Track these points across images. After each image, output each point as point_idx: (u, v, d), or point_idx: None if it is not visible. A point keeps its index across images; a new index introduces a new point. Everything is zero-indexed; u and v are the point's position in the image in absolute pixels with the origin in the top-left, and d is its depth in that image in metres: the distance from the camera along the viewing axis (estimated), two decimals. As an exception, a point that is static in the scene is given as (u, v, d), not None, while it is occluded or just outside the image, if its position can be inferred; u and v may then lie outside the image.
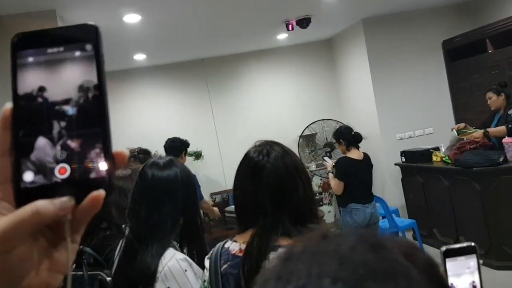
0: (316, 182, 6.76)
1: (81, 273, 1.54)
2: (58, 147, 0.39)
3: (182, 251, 1.54)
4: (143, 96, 6.71)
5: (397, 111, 6.23)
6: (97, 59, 0.41)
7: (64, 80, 0.40)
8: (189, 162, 6.64)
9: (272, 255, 1.17)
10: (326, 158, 4.64)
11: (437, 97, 6.36)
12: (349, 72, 6.81)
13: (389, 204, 5.48)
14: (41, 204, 0.37)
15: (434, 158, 5.36)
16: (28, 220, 0.37)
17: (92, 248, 1.61)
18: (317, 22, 5.50)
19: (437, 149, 5.44)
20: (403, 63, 6.28)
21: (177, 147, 4.60)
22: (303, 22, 5.25)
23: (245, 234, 1.27)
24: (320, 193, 4.99)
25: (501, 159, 4.36)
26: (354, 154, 4.16)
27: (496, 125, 4.67)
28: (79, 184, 0.39)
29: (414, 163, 5.50)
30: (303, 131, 6.67)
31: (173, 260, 1.44)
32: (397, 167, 5.92)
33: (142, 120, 6.69)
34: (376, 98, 6.22)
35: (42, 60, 0.40)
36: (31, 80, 0.40)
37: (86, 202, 0.39)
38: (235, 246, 1.28)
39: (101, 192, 0.39)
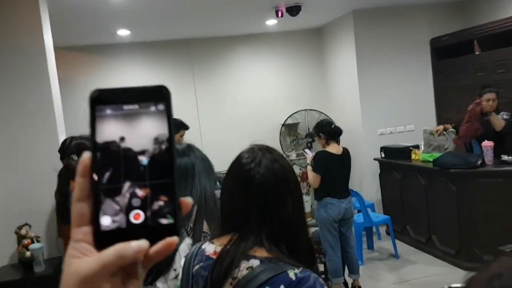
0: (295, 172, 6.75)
1: None
2: (133, 194, 0.43)
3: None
4: (124, 72, 6.56)
5: (380, 105, 6.23)
6: (168, 116, 0.44)
7: (140, 133, 0.44)
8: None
9: (244, 264, 1.14)
10: (306, 150, 4.62)
11: (421, 94, 6.37)
12: (336, 63, 6.76)
13: (365, 198, 5.50)
14: (122, 248, 0.41)
15: (413, 156, 5.37)
16: (113, 263, 0.41)
17: None
18: (307, 10, 5.41)
19: (416, 147, 5.45)
20: (390, 57, 6.25)
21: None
22: (293, 10, 5.17)
23: (223, 238, 1.23)
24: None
25: (479, 162, 4.39)
26: (333, 148, 4.14)
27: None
28: (152, 229, 0.43)
29: (393, 160, 5.51)
30: (286, 119, 6.63)
31: (183, 244, 1.48)
32: (376, 162, 5.94)
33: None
34: (361, 92, 6.19)
35: (120, 114, 0.44)
36: (109, 131, 0.43)
37: (160, 247, 0.43)
38: (210, 247, 1.25)
39: (174, 239, 0.43)
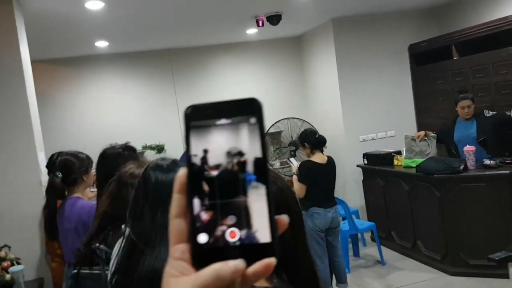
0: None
1: (97, 271, 1.47)
2: (229, 211, 0.42)
3: None
4: (104, 85, 6.46)
5: (361, 112, 6.25)
6: (261, 130, 0.43)
7: (234, 148, 0.43)
8: (151, 156, 6.47)
9: None
10: (291, 160, 4.59)
11: (401, 100, 6.42)
12: (317, 71, 6.77)
13: (349, 205, 5.50)
14: (220, 267, 0.40)
15: (395, 162, 5.40)
16: (210, 283, 0.40)
17: (107, 246, 1.59)
18: (287, 19, 5.41)
19: (399, 153, 5.49)
20: (370, 64, 6.29)
21: None
22: (274, 19, 5.16)
23: None
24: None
25: (461, 167, 4.43)
26: (318, 158, 4.12)
27: (477, 131, 4.65)
28: (248, 248, 0.41)
29: (376, 166, 5.53)
30: (269, 128, 6.60)
31: None
32: (359, 168, 5.95)
33: (101, 110, 6.44)
34: (342, 99, 6.21)
35: (213, 128, 0.43)
36: (203, 147, 0.43)
37: (258, 267, 0.41)
38: None
39: (272, 260, 0.41)
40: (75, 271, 1.60)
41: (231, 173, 0.43)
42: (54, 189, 2.73)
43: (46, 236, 3.14)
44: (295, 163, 4.39)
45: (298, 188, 4.09)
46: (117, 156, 2.26)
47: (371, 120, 6.31)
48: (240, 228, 0.42)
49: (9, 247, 3.24)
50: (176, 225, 0.43)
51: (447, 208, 4.52)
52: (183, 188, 0.43)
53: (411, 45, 6.33)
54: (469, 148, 4.51)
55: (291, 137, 6.54)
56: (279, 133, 6.71)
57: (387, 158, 5.46)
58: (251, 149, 0.43)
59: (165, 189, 1.45)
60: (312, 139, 4.13)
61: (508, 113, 4.65)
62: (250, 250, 0.41)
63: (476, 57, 5.30)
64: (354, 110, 6.23)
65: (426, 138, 5.14)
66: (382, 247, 5.21)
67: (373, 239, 5.60)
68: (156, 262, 1.38)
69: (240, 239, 0.41)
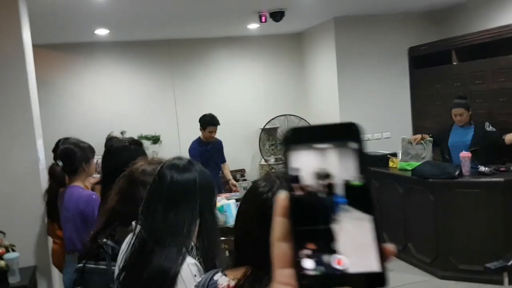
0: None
1: (103, 266, 1.49)
2: (334, 237, 0.41)
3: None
4: (102, 73, 6.42)
5: (358, 112, 6.28)
6: (362, 155, 0.43)
7: (335, 172, 0.42)
8: (146, 146, 6.43)
9: None
10: None
11: (398, 102, 6.45)
12: (316, 68, 6.78)
13: (343, 204, 5.52)
14: None
15: (390, 164, 5.43)
16: None
17: (115, 242, 1.60)
18: (290, 15, 5.40)
19: (394, 155, 5.51)
20: (369, 65, 6.31)
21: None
22: (277, 15, 5.15)
23: (237, 270, 1.17)
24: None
25: (456, 173, 4.46)
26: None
27: (473, 138, 4.69)
28: (356, 277, 0.40)
29: (371, 167, 5.55)
30: (266, 124, 6.61)
31: (184, 264, 1.40)
32: (354, 168, 5.97)
33: (98, 98, 6.40)
34: (340, 97, 6.23)
35: (314, 152, 0.43)
36: (303, 170, 0.42)
37: None
38: (223, 280, 1.19)
39: None
40: (81, 265, 1.59)
41: (333, 198, 0.42)
42: (54, 177, 2.74)
43: (47, 217, 3.23)
44: None
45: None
46: (123, 150, 2.23)
47: (368, 121, 6.33)
48: (347, 256, 0.40)
49: (4, 234, 3.22)
50: (280, 249, 0.42)
51: (440, 213, 4.56)
52: (286, 211, 0.42)
53: (411, 47, 6.35)
54: (465, 154, 4.55)
55: (288, 133, 6.55)
56: (275, 129, 6.72)
57: (383, 160, 5.48)
58: (353, 174, 0.42)
59: (179, 189, 1.45)
60: None
61: (489, 128, 4.66)
62: (358, 279, 0.40)
63: (476, 63, 5.33)
64: (352, 109, 6.25)
65: (422, 141, 5.17)
66: (373, 247, 5.24)
67: (364, 239, 5.63)
68: (165, 261, 1.38)
69: (347, 267, 0.40)
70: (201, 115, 5.03)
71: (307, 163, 0.42)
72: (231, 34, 6.70)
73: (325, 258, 0.40)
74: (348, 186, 0.42)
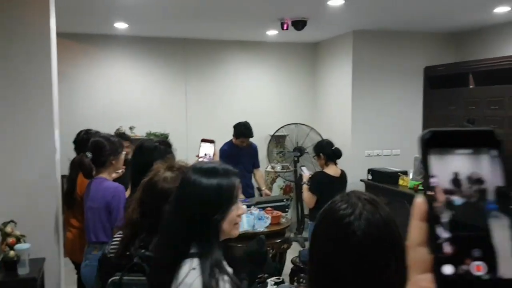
0: (279, 184, 6.69)
1: (143, 277, 1.45)
2: (474, 243, 0.40)
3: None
4: (117, 66, 6.36)
5: (370, 127, 6.25)
6: (503, 163, 0.42)
7: (476, 179, 0.42)
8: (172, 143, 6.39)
9: None
10: (304, 169, 4.56)
11: (410, 120, 6.43)
12: (331, 80, 6.75)
13: (349, 219, 5.48)
14: None
15: (400, 182, 5.41)
16: None
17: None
18: (311, 25, 5.38)
19: (405, 173, 5.50)
20: (384, 80, 6.29)
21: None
22: (299, 24, 5.12)
23: None
24: (287, 199, 4.94)
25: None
26: (331, 170, 4.10)
27: None
28: (496, 283, 0.40)
29: (381, 183, 5.53)
30: (276, 131, 6.56)
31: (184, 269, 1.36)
32: (362, 183, 5.94)
33: (111, 91, 6.35)
34: (353, 111, 6.20)
35: (455, 157, 0.42)
36: (442, 175, 0.42)
37: None
38: None
39: None
40: (117, 277, 1.53)
41: (477, 203, 0.41)
42: (83, 168, 2.80)
43: (64, 206, 3.28)
44: (306, 172, 4.36)
45: (308, 198, 4.07)
46: (153, 150, 2.31)
47: (379, 136, 6.31)
48: (486, 261, 0.40)
49: (15, 223, 3.15)
50: (420, 254, 0.43)
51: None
52: (424, 215, 0.42)
53: (428, 67, 6.34)
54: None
55: (297, 142, 6.52)
56: (284, 137, 6.68)
57: (393, 177, 5.47)
58: (494, 180, 0.42)
59: (227, 191, 1.43)
60: (328, 151, 4.11)
61: None
62: (498, 285, 0.40)
63: (493, 88, 5.33)
64: (364, 123, 6.22)
65: None
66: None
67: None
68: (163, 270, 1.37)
69: (487, 273, 0.40)
70: (237, 122, 5.03)
71: (449, 167, 0.42)
72: (248, 39, 6.67)
73: (465, 264, 0.40)
74: (498, 192, 0.41)
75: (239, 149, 5.03)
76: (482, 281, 0.39)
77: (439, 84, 6.18)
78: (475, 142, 0.43)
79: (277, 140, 6.67)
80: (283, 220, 4.22)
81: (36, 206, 3.29)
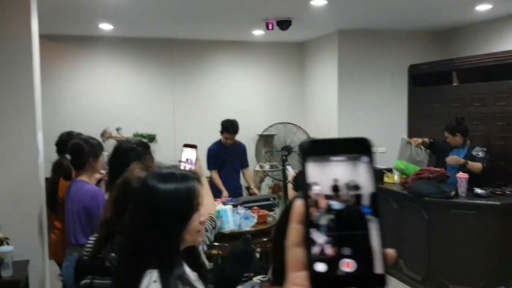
0: (267, 183, 6.72)
1: (109, 281, 1.42)
2: (344, 242, 0.44)
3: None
4: (103, 67, 6.36)
5: (356, 125, 6.30)
6: (372, 168, 0.46)
7: (347, 184, 0.45)
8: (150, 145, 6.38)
9: None
10: (289, 168, 4.59)
11: (395, 118, 6.49)
12: (317, 79, 6.79)
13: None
14: None
15: (385, 179, 5.46)
16: None
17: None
18: (296, 25, 5.41)
19: (390, 170, 5.54)
20: (369, 79, 6.34)
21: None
22: (284, 24, 5.15)
23: None
24: (274, 198, 4.98)
25: (453, 193, 4.49)
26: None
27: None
28: (362, 279, 0.44)
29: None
30: (263, 131, 6.58)
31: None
32: (348, 181, 5.99)
33: (97, 92, 6.33)
34: (339, 109, 6.25)
35: (330, 164, 0.46)
36: (318, 180, 0.45)
37: None
38: None
39: None
40: (88, 280, 1.53)
41: (349, 206, 0.45)
42: (62, 170, 2.79)
43: (48, 208, 3.31)
44: (291, 171, 4.39)
45: (293, 196, 4.09)
46: (130, 151, 2.27)
47: (364, 134, 5.97)
48: (355, 259, 0.44)
49: (-1, 226, 3.14)
50: (296, 253, 0.45)
51: (433, 232, 4.58)
52: (301, 218, 0.45)
53: (412, 65, 6.40)
54: (462, 175, 4.58)
55: (285, 141, 6.54)
56: (272, 136, 6.71)
57: (378, 175, 5.51)
58: (365, 184, 0.45)
59: (186, 196, 1.37)
60: None
61: (475, 153, 4.72)
62: (363, 281, 0.44)
63: (476, 85, 5.39)
64: (350, 122, 6.27)
65: (422, 147, 5.23)
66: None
67: (354, 253, 5.65)
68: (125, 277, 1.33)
69: (355, 270, 0.43)
70: (223, 119, 5.09)
71: (329, 175, 0.45)
72: (235, 38, 6.68)
73: (336, 261, 0.44)
74: (371, 197, 0.45)
75: (227, 148, 5.06)
76: (351, 277, 0.43)
77: (424, 82, 6.24)
78: (351, 149, 0.46)
79: (265, 139, 6.70)
80: (269, 219, 4.25)
81: (20, 209, 3.28)
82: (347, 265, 0.44)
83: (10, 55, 3.28)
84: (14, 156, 3.28)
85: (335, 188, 0.45)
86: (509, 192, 4.50)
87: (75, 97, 6.24)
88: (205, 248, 1.86)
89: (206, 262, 1.71)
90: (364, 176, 0.45)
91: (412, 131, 6.50)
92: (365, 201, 0.45)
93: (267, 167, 6.63)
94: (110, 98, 6.38)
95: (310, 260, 0.44)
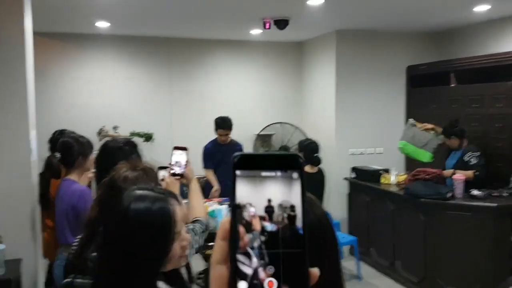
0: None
1: (89, 281, 1.39)
2: (268, 262, 0.43)
3: None
4: (99, 65, 6.32)
5: (354, 126, 6.28)
6: (302, 185, 0.45)
7: (276, 200, 0.44)
8: (138, 144, 6.34)
9: None
10: None
11: (393, 119, 6.46)
12: (315, 79, 6.77)
13: (331, 216, 5.50)
14: None
15: (382, 180, 5.44)
16: None
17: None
18: (293, 24, 5.38)
19: (387, 171, 5.53)
20: (367, 79, 6.32)
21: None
22: (281, 23, 5.12)
23: None
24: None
25: (449, 195, 4.48)
26: (307, 168, 4.11)
27: (455, 164, 4.78)
28: None
29: (364, 181, 5.56)
30: (261, 131, 6.56)
31: None
32: (345, 181, 5.97)
33: (94, 91, 6.30)
34: (337, 110, 6.22)
35: (260, 181, 0.45)
36: (245, 196, 0.44)
37: None
38: None
39: None
40: (69, 279, 1.50)
41: (271, 225, 0.44)
42: (51, 168, 2.78)
43: (40, 206, 3.30)
44: None
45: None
46: (118, 151, 2.21)
47: (362, 135, 6.33)
48: (278, 279, 0.43)
49: (-9, 225, 3.12)
50: (218, 271, 0.44)
51: (430, 233, 4.57)
52: (226, 235, 0.44)
53: (410, 66, 6.38)
54: (458, 177, 4.57)
55: (282, 141, 6.53)
56: (269, 136, 6.69)
57: (375, 175, 5.50)
58: (292, 202, 0.45)
59: (160, 220, 1.27)
60: (310, 157, 4.11)
61: (467, 158, 4.68)
62: None
63: (474, 87, 5.38)
64: (347, 122, 6.25)
65: (432, 131, 5.13)
66: (360, 262, 5.24)
67: (351, 253, 5.64)
68: None
69: None
70: (216, 117, 5.13)
71: (258, 193, 0.45)
72: (232, 38, 6.66)
73: (259, 281, 0.43)
74: (289, 213, 0.45)
75: (223, 147, 5.04)
76: None
77: (421, 83, 6.22)
78: (282, 165, 0.45)
79: (263, 139, 6.68)
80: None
81: (12, 207, 3.25)
82: (270, 285, 0.43)
83: (2, 53, 3.26)
84: (6, 155, 3.26)
85: (269, 208, 0.44)
86: (506, 194, 4.49)
87: (72, 95, 6.21)
88: (193, 252, 1.83)
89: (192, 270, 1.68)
90: (297, 195, 0.45)
91: (410, 132, 6.48)
92: (298, 221, 0.45)
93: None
94: (107, 96, 6.35)
95: (232, 279, 0.43)
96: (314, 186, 4.10)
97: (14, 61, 3.30)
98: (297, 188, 0.45)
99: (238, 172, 0.45)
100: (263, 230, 0.44)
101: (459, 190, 4.52)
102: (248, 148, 6.36)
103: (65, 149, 2.72)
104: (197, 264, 3.99)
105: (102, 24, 5.53)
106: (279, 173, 0.45)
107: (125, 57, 6.41)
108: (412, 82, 6.40)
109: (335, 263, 1.03)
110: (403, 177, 5.28)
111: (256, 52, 6.92)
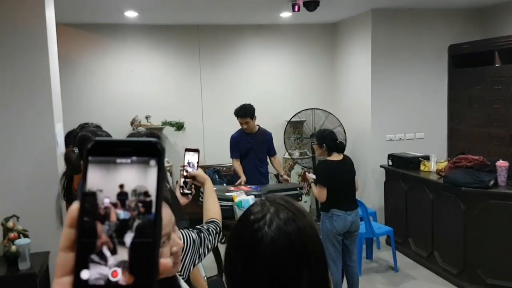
0: (297, 171, 6.56)
1: None
2: (114, 250, 0.42)
3: None
4: (128, 56, 6.32)
5: (391, 110, 6.01)
6: (158, 173, 0.43)
7: (129, 187, 0.43)
8: (170, 133, 6.35)
9: None
10: (310, 175, 4.37)
11: (434, 102, 6.15)
12: (349, 62, 6.52)
13: (367, 205, 5.29)
14: None
15: (422, 168, 5.18)
16: None
17: None
18: (325, 5, 5.16)
19: (427, 158, 5.25)
20: (406, 61, 6.02)
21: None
22: (311, 5, 4.91)
23: None
24: (301, 188, 4.82)
25: (491, 183, 4.20)
26: (334, 156, 3.94)
27: None
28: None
29: (401, 169, 5.31)
30: (292, 117, 6.40)
31: None
32: (382, 169, 5.74)
33: (123, 81, 6.32)
34: (373, 93, 5.97)
35: (112, 166, 0.43)
36: (99, 183, 0.43)
37: None
38: None
39: None
40: None
41: (122, 213, 0.42)
42: (69, 163, 2.74)
43: (65, 201, 3.30)
44: (312, 176, 4.19)
45: (318, 192, 3.92)
46: None
47: (401, 120, 6.06)
48: (123, 268, 0.42)
49: (18, 218, 3.16)
50: (63, 258, 0.43)
51: (471, 223, 4.31)
52: (74, 222, 0.43)
53: (452, 45, 6.02)
54: (501, 164, 4.27)
55: (314, 128, 6.34)
56: (301, 122, 6.51)
57: (414, 162, 5.23)
58: (148, 190, 0.43)
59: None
60: (330, 144, 3.93)
61: None
62: None
63: (521, 66, 5.00)
64: (384, 107, 5.98)
65: None
66: (396, 252, 5.04)
67: (388, 243, 5.44)
68: None
69: (121, 279, 0.42)
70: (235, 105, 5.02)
71: (114, 180, 0.43)
72: (262, 22, 6.49)
73: (103, 270, 0.42)
74: (141, 202, 0.43)
75: (249, 136, 4.93)
76: (114, 286, 0.41)
77: (464, 63, 5.85)
78: (140, 152, 0.43)
79: (294, 126, 6.52)
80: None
81: (38, 201, 3.28)
82: (114, 274, 0.42)
83: (25, 46, 3.26)
84: (31, 149, 3.28)
85: (122, 195, 0.43)
86: (556, 182, 4.16)
87: (104, 86, 6.26)
88: (207, 252, 1.77)
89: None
90: (148, 181, 0.43)
91: (452, 116, 6.14)
92: (144, 208, 0.43)
93: (296, 154, 6.46)
94: (138, 86, 6.36)
95: (77, 267, 0.42)
96: (344, 173, 3.92)
97: (37, 53, 3.29)
98: (153, 174, 0.43)
99: (90, 158, 0.43)
100: (112, 218, 0.42)
101: (502, 177, 4.23)
102: (279, 134, 6.21)
103: (83, 143, 2.68)
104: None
105: (131, 14, 5.50)
106: (134, 159, 0.43)
107: (154, 46, 6.38)
108: (454, 62, 6.04)
109: (320, 276, 0.96)
110: (443, 164, 4.99)
111: (287, 36, 6.73)
